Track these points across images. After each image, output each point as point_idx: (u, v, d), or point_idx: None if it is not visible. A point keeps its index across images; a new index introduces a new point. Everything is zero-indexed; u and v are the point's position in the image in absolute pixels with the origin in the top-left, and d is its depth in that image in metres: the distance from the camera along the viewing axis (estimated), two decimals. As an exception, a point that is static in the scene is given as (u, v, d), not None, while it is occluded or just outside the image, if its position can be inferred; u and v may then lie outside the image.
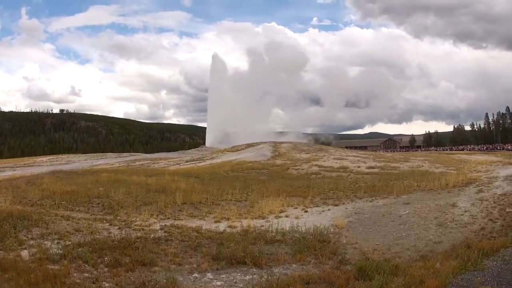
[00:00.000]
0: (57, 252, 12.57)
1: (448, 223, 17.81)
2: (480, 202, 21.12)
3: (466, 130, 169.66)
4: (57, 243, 13.86)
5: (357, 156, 53.32)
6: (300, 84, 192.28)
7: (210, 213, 20.88)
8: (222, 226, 17.96)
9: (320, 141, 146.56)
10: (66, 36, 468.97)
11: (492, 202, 20.91)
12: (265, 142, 73.14)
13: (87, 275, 11.02)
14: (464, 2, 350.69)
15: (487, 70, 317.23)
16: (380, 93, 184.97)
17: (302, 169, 42.37)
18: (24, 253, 12.34)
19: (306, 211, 21.69)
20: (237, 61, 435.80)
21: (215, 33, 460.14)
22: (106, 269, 11.48)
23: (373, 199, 23.96)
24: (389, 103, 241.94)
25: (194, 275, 11.68)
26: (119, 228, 16.67)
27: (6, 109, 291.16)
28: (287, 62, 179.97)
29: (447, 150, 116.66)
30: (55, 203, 21.32)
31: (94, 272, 11.28)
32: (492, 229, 16.65)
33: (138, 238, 14.74)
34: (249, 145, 74.07)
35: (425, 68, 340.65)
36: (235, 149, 74.01)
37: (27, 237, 14.18)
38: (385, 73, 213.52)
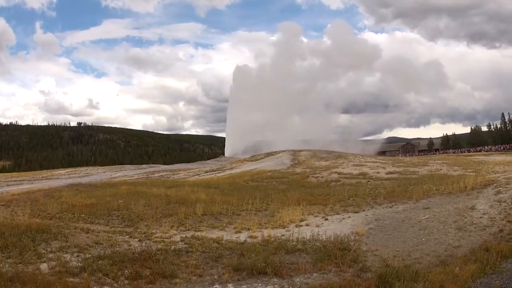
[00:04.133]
0: (77, 265, 12.61)
1: (467, 227, 17.71)
2: (498, 203, 20.97)
3: (483, 131, 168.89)
4: (77, 256, 13.91)
5: (376, 162, 53.13)
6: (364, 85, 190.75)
7: (230, 224, 20.86)
8: (242, 236, 17.95)
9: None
10: (81, 50, 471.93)
11: (510, 203, 20.76)
12: (284, 151, 73.16)
13: (107, 287, 11.04)
14: (475, 2, 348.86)
15: (501, 70, 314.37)
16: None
17: (322, 177, 42.31)
18: (43, 266, 12.40)
19: (326, 219, 21.63)
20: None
21: (231, 44, 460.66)
22: (126, 282, 11.50)
23: (392, 205, 23.84)
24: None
25: (215, 286, 11.67)
26: (139, 241, 16.72)
27: (23, 122, 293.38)
28: (358, 54, 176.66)
29: (465, 152, 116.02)
30: (74, 216, 21.39)
31: (115, 284, 11.31)
32: (511, 230, 16.55)
33: (158, 250, 14.76)
34: (268, 154, 74.12)
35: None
36: (254, 158, 74.04)
37: (46, 250, 14.23)
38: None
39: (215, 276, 12.37)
